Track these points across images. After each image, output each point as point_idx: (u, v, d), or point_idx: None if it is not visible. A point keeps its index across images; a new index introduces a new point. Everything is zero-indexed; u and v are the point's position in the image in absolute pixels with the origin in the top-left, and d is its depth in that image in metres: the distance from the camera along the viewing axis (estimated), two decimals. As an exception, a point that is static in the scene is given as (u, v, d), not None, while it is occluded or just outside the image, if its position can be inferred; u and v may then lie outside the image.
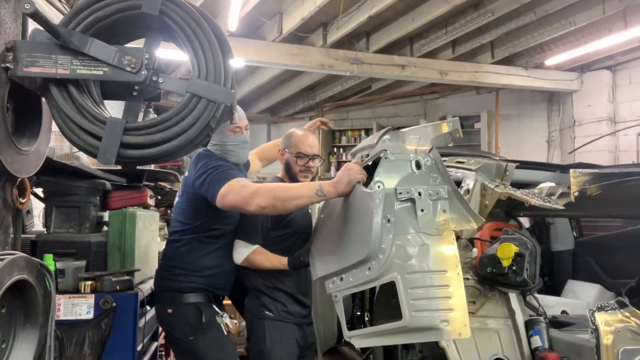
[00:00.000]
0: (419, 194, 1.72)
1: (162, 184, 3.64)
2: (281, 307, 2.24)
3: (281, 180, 2.40)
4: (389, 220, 1.70)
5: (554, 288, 3.21)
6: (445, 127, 2.14)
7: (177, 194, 2.38)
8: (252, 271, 2.27)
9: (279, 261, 2.21)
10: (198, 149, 2.24)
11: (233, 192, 1.96)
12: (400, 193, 1.72)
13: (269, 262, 2.21)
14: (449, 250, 1.67)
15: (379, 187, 1.73)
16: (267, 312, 2.23)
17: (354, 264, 1.76)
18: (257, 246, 2.23)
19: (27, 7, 1.45)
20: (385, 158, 1.79)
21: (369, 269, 1.72)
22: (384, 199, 1.70)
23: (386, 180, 1.76)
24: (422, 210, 1.70)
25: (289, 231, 2.30)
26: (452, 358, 1.93)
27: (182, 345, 2.17)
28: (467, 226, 1.74)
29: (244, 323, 3.74)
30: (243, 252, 2.22)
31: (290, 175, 2.37)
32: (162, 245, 3.27)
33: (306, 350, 2.34)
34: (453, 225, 1.71)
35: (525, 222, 3.49)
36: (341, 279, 1.82)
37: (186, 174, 2.29)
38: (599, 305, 1.76)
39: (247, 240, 2.25)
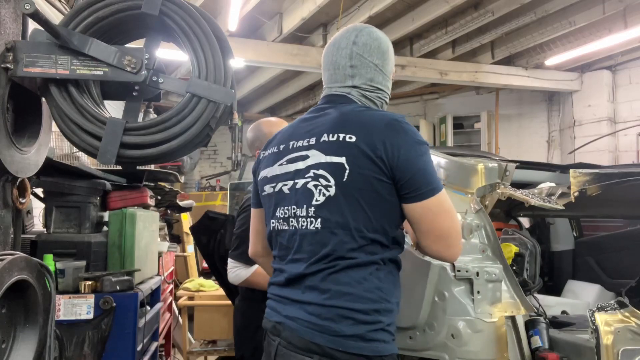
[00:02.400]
0: (477, 274, 1.68)
1: (162, 184, 3.64)
2: None
3: None
4: (442, 296, 1.68)
5: (554, 288, 3.21)
6: (482, 170, 1.93)
7: (325, 178, 1.26)
8: None
9: None
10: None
11: (453, 237, 1.27)
12: (459, 271, 1.68)
13: None
14: (501, 338, 1.66)
15: None
16: None
17: None
18: (256, 267, 2.08)
19: (27, 7, 1.45)
20: None
21: (411, 337, 1.69)
22: (440, 273, 1.67)
23: None
24: (478, 292, 1.68)
25: None
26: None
27: None
28: (516, 313, 1.72)
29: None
30: (241, 274, 2.11)
31: None
32: (162, 246, 3.28)
33: None
34: (505, 312, 1.69)
35: (525, 222, 3.49)
36: None
37: (355, 139, 1.24)
38: (599, 305, 1.75)
39: (244, 262, 2.09)
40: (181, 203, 3.96)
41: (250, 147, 2.30)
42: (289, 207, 1.32)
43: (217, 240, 2.67)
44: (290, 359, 1.24)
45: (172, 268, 3.75)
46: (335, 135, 1.26)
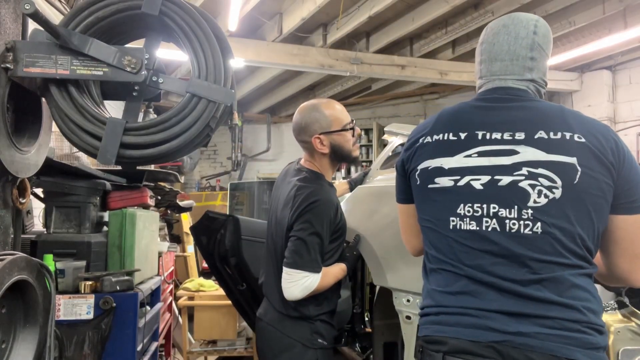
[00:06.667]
0: None
1: (162, 184, 3.65)
2: (331, 331, 1.94)
3: (320, 175, 1.95)
4: None
5: (554, 288, 3.21)
6: None
7: (549, 178, 1.15)
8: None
9: (340, 269, 1.95)
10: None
11: None
12: None
13: (335, 278, 1.90)
14: None
15: None
16: (321, 340, 1.89)
17: None
18: (322, 270, 1.85)
19: (27, 8, 1.45)
20: None
21: None
22: None
23: None
24: None
25: (342, 238, 1.97)
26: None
27: None
28: None
29: (243, 323, 3.76)
30: (312, 284, 1.80)
31: (341, 157, 1.96)
32: (162, 246, 3.28)
33: None
34: None
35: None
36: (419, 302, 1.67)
37: (585, 140, 1.15)
38: (599, 305, 1.76)
39: (311, 270, 1.79)
40: (181, 203, 3.96)
41: (303, 131, 1.94)
42: (484, 205, 1.18)
43: (217, 240, 2.68)
44: None
45: (172, 268, 3.75)
46: (559, 133, 1.15)
